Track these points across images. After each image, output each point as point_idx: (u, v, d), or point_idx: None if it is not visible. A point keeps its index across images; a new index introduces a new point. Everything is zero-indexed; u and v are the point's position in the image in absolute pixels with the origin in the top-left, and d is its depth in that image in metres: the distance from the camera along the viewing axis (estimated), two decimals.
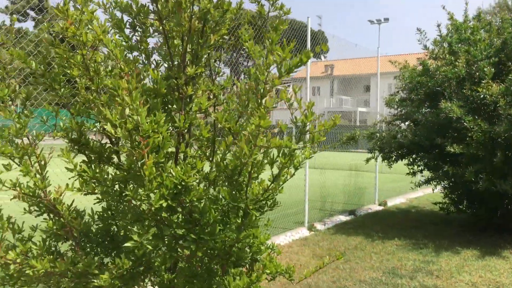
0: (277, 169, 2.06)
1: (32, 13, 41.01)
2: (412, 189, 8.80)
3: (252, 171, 1.94)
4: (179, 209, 1.96)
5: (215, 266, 2.25)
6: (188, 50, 2.23)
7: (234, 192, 1.98)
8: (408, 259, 6.04)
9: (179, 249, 2.24)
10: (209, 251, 2.16)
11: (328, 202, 10.38)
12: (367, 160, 8.54)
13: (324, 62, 44.29)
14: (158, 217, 1.94)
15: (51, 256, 1.93)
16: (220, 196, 2.20)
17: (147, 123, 1.80)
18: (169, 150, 1.94)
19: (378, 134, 8.22)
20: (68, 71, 2.36)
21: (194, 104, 2.22)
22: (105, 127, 1.83)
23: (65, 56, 2.42)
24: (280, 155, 1.95)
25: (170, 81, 2.11)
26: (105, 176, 1.96)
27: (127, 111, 1.79)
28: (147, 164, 1.79)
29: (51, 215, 2.34)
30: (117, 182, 2.06)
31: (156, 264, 2.34)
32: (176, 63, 2.45)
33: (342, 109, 37.60)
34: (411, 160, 8.03)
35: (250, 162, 1.85)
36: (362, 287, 5.02)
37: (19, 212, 2.56)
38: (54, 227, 2.05)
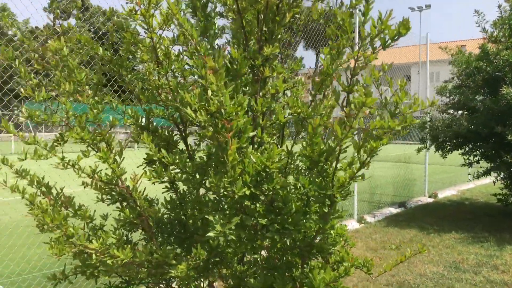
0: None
1: (74, 11, 42.09)
2: (470, 181, 8.41)
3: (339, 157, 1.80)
4: (262, 198, 1.85)
5: (293, 258, 2.13)
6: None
7: (319, 180, 1.84)
8: (469, 253, 5.75)
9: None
10: (289, 242, 2.04)
11: (377, 194, 10.10)
12: (419, 150, 8.20)
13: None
14: (239, 206, 1.83)
15: (129, 246, 1.86)
16: (299, 185, 2.07)
17: (230, 105, 1.68)
18: (250, 135, 1.82)
19: (430, 124, 7.87)
20: (138, 56, 2.28)
21: (271, 86, 2.09)
22: (185, 111, 1.73)
23: (132, 40, 2.35)
24: (370, 138, 1.79)
25: (247, 62, 1.99)
26: (185, 163, 1.86)
27: (209, 92, 1.68)
28: (232, 149, 1.68)
29: (124, 204, 2.28)
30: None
31: (229, 255, 2.25)
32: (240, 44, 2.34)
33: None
34: (467, 150, 7.65)
35: (339, 147, 1.70)
36: (424, 282, 4.79)
37: (86, 202, 2.52)
38: (131, 216, 1.97)
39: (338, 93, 1.75)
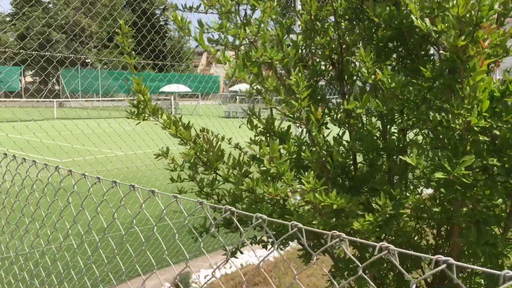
0: None
1: None
2: None
3: None
4: (495, 132, 1.48)
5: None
6: None
7: None
8: None
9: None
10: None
11: None
12: None
13: None
14: (470, 143, 1.47)
15: (334, 191, 1.53)
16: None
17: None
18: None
19: None
20: None
21: None
22: (413, 19, 1.36)
23: None
24: None
25: None
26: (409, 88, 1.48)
27: None
28: (484, 65, 1.30)
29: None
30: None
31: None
32: None
33: None
34: None
35: None
36: None
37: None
38: (311, 158, 1.64)
39: None
